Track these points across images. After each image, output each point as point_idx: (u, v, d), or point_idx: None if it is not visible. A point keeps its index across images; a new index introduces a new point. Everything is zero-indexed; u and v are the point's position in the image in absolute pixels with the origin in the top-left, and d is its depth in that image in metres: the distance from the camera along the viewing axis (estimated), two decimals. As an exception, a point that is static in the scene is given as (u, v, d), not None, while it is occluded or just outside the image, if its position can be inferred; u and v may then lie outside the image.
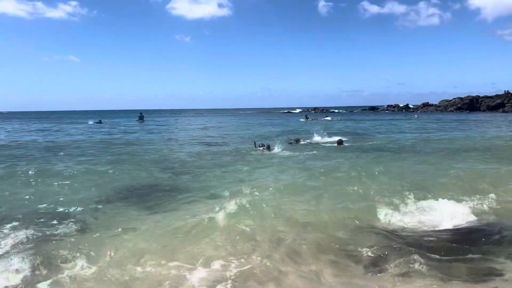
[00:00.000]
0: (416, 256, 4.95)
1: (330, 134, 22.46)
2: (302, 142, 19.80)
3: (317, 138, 20.82)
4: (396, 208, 7.14)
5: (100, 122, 48.03)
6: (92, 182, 9.95)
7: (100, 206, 7.64)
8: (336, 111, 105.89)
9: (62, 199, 8.13)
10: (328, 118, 53.59)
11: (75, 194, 8.65)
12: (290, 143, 19.15)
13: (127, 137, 25.11)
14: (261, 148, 16.31)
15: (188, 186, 9.40)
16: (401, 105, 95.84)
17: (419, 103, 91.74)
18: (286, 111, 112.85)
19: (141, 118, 52.88)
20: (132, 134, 27.82)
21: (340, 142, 18.70)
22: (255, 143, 17.60)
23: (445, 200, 7.46)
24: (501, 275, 4.56)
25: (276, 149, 16.07)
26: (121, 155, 15.09)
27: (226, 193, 8.46)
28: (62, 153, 15.70)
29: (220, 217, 6.49)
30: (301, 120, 49.76)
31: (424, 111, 79.54)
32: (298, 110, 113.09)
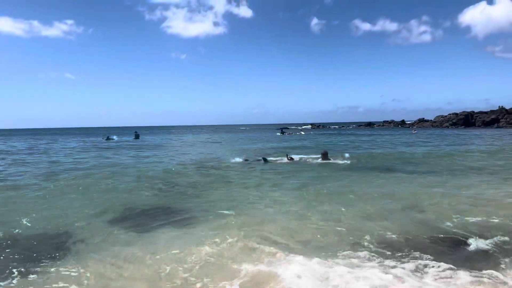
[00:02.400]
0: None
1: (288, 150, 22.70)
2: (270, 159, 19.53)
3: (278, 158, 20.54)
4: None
5: (108, 139, 47.96)
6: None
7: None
8: (333, 127, 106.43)
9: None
10: (302, 132, 56.84)
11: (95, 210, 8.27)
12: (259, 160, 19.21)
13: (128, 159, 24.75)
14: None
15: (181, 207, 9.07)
16: (397, 121, 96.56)
17: (415, 119, 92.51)
18: (283, 127, 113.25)
19: (137, 136, 52.88)
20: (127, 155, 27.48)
21: (325, 153, 18.82)
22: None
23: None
24: None
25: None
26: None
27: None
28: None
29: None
30: (278, 134, 52.59)
31: (420, 127, 79.94)
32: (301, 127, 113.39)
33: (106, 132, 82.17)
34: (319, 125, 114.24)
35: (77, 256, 6.02)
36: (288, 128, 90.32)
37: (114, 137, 51.45)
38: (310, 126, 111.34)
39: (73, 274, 5.30)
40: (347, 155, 19.45)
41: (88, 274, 5.29)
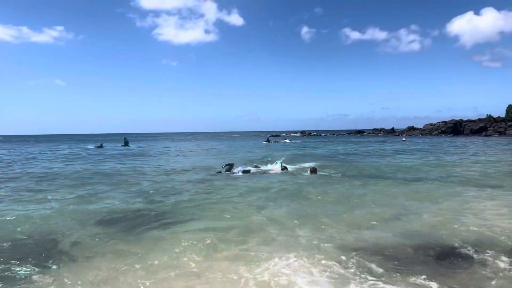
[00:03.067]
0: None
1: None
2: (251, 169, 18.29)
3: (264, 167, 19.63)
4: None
5: (101, 146, 47.22)
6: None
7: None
8: (323, 134, 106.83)
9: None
10: (287, 140, 57.34)
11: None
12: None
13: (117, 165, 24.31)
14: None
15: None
16: (386, 129, 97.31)
17: (404, 127, 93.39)
18: (274, 134, 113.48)
19: (126, 143, 52.31)
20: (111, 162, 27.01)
21: (313, 170, 17.16)
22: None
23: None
24: None
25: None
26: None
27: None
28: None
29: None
30: (264, 142, 53.56)
31: (410, 135, 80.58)
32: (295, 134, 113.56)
33: (96, 139, 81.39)
34: (310, 133, 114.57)
35: (64, 263, 5.83)
36: (278, 136, 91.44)
37: (107, 145, 50.68)
38: (299, 134, 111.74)
39: (59, 282, 5.06)
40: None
41: (71, 282, 5.01)
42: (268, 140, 55.88)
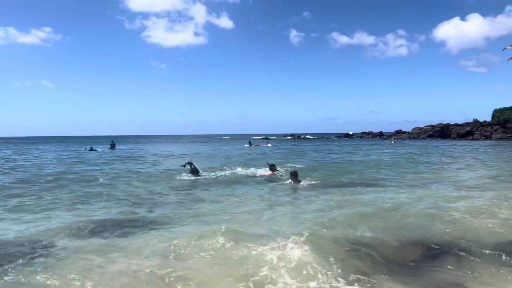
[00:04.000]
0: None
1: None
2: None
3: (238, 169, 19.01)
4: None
5: (92, 149, 45.29)
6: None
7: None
8: (310, 137, 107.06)
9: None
10: (269, 144, 57.07)
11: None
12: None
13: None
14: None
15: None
16: (375, 132, 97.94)
17: (393, 130, 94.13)
18: (263, 137, 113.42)
19: (112, 146, 51.07)
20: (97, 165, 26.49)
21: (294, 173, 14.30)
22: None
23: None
24: None
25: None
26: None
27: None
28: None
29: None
30: (245, 145, 53.95)
31: (398, 138, 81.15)
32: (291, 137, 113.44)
33: (85, 142, 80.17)
34: (299, 136, 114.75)
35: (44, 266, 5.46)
36: (268, 139, 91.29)
37: (99, 148, 48.47)
38: (290, 136, 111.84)
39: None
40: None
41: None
42: (250, 144, 55.82)
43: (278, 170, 17.11)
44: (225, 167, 19.92)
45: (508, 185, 12.99)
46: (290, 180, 14.03)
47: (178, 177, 16.03)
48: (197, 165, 16.87)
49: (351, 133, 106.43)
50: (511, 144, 48.66)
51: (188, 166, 16.38)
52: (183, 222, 8.30)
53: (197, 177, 15.92)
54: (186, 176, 16.02)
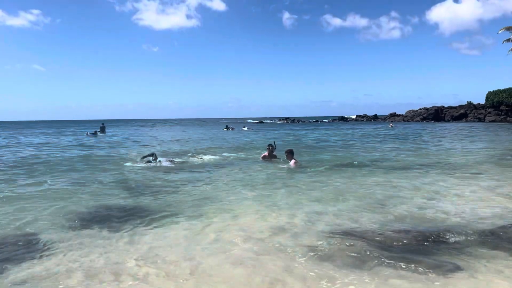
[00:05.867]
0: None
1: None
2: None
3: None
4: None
5: (95, 133, 43.20)
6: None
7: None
8: (307, 121, 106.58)
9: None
10: (245, 128, 57.17)
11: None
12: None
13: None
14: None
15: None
16: (369, 115, 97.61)
17: (386, 113, 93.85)
18: (258, 121, 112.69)
19: (102, 129, 49.10)
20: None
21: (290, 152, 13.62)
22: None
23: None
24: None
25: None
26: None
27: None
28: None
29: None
30: (223, 129, 55.11)
31: (392, 121, 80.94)
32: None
33: (78, 126, 79.05)
34: (294, 119, 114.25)
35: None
36: (262, 123, 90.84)
37: (98, 131, 46.13)
38: (284, 121, 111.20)
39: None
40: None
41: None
42: (227, 127, 56.74)
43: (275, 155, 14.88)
44: (189, 154, 18.25)
45: (505, 169, 12.59)
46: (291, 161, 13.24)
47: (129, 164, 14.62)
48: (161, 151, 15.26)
49: (346, 116, 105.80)
50: (505, 126, 48.51)
51: (149, 158, 14.55)
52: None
53: (153, 163, 14.20)
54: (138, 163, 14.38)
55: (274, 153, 14.81)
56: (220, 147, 23.31)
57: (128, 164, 14.45)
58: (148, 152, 15.57)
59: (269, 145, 15.10)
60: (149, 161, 14.26)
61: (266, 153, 14.96)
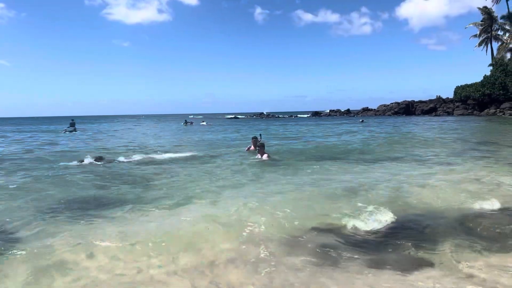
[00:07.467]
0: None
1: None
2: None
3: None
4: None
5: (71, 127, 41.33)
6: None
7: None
8: (281, 116, 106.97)
9: None
10: (204, 123, 56.97)
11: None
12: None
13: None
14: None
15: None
16: (342, 110, 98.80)
17: (359, 108, 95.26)
18: (232, 116, 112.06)
19: (72, 125, 46.39)
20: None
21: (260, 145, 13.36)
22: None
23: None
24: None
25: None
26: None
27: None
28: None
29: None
30: (182, 124, 55.05)
31: (364, 115, 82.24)
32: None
33: (44, 122, 76.05)
34: (269, 114, 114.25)
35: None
36: (237, 118, 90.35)
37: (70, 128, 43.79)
38: (259, 115, 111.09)
39: None
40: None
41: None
42: (185, 123, 56.48)
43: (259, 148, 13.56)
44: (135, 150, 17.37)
45: (477, 161, 12.79)
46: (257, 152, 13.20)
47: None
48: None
49: (320, 111, 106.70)
50: (471, 119, 50.13)
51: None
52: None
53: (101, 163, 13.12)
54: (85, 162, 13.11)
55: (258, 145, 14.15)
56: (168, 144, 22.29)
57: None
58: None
59: (254, 137, 15.04)
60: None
61: (251, 146, 14.98)
